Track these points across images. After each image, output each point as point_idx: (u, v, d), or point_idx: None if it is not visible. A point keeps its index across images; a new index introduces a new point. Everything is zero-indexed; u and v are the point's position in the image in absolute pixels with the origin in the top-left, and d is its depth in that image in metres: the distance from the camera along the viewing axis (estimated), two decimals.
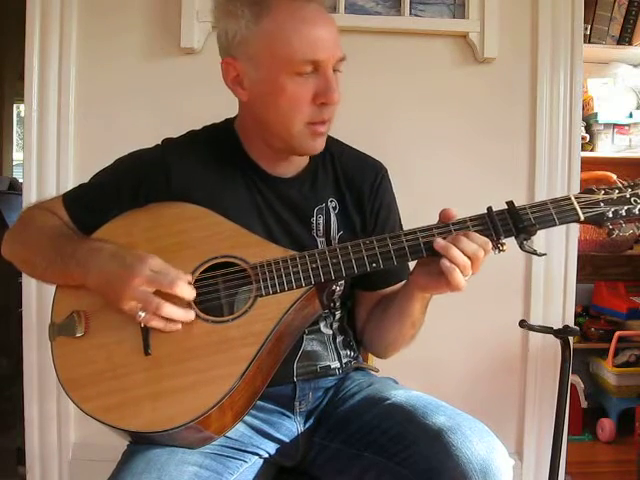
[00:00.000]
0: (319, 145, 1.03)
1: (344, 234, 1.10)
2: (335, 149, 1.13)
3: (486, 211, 0.94)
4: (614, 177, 2.25)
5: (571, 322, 1.83)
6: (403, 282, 1.12)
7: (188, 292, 0.91)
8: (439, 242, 0.91)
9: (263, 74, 0.98)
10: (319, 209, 1.09)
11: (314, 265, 0.95)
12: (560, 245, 1.81)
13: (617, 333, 2.49)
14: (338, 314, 1.13)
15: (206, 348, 0.93)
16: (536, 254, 0.95)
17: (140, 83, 1.75)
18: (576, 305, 1.88)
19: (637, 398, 2.44)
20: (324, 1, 1.00)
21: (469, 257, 0.90)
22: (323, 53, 0.96)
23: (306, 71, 0.96)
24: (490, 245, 0.92)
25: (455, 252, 0.90)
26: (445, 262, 0.90)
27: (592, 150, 2.56)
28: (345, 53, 0.99)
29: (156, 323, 0.91)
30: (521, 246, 0.93)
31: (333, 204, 1.10)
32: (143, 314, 0.90)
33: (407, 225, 1.17)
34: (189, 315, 0.92)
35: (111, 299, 0.93)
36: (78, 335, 0.95)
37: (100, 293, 0.95)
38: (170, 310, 0.90)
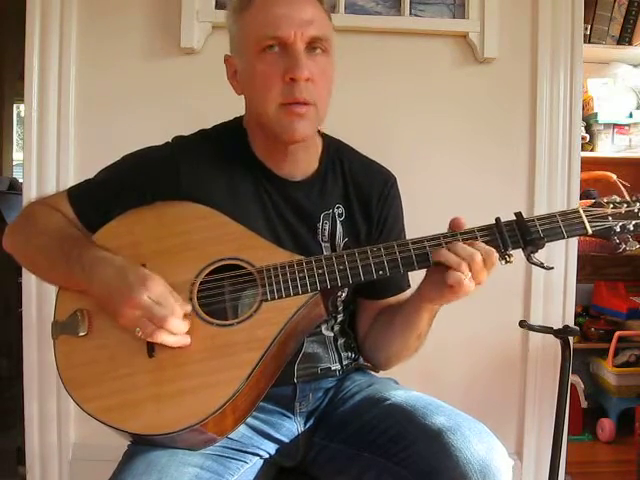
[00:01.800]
0: (299, 128, 0.99)
1: (349, 241, 1.09)
2: (345, 155, 1.12)
3: (494, 222, 0.94)
4: (614, 177, 2.25)
5: (571, 322, 1.83)
6: (403, 293, 1.12)
7: (179, 328, 0.91)
8: (434, 252, 0.92)
9: (243, 62, 1.02)
10: (326, 214, 1.09)
11: (320, 271, 0.95)
12: (560, 245, 1.80)
13: (617, 333, 2.50)
14: (340, 317, 1.13)
15: (210, 351, 0.92)
16: (543, 267, 0.95)
17: (140, 83, 1.75)
18: (576, 305, 1.88)
19: (637, 398, 2.44)
20: None
21: (464, 259, 0.89)
22: (286, 29, 0.96)
23: (269, 46, 0.97)
24: (494, 254, 0.91)
25: (446, 253, 0.90)
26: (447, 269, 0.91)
27: (592, 150, 2.56)
28: (325, 33, 0.99)
29: (153, 341, 0.91)
30: (528, 258, 0.93)
31: (340, 210, 1.10)
32: (140, 332, 0.90)
33: (406, 225, 1.18)
34: (183, 341, 0.92)
35: (110, 312, 0.93)
36: (81, 334, 0.95)
37: (100, 303, 0.95)
38: (164, 339, 0.90)
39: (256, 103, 1.01)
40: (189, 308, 0.93)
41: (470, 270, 0.89)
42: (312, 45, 0.98)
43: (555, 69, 1.79)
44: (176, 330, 0.90)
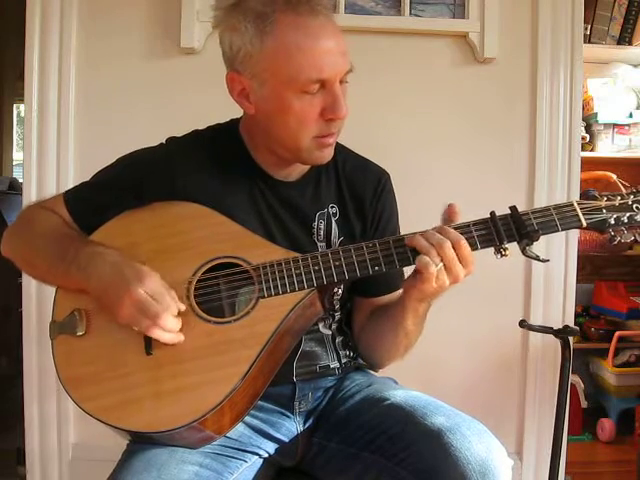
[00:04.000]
0: (327, 155, 1.03)
1: (344, 240, 1.09)
2: (339, 154, 1.12)
3: (489, 215, 0.95)
4: (614, 177, 2.24)
5: (571, 322, 1.83)
6: (398, 291, 1.11)
7: (172, 326, 0.91)
8: (409, 237, 0.94)
9: (268, 91, 0.96)
10: (321, 214, 1.09)
11: (316, 267, 0.95)
12: (560, 245, 1.81)
13: (617, 333, 2.50)
14: (337, 315, 1.13)
15: (208, 349, 0.93)
16: (539, 260, 0.95)
17: (140, 83, 1.75)
18: (576, 305, 1.88)
19: (637, 398, 2.44)
20: (331, 13, 0.97)
21: (432, 244, 0.90)
22: (329, 71, 0.94)
23: (312, 90, 0.95)
24: (462, 241, 0.91)
25: (418, 238, 0.92)
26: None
27: (592, 150, 2.56)
28: (352, 64, 0.98)
29: (149, 334, 0.91)
30: (523, 251, 0.94)
31: (334, 210, 1.10)
32: (137, 327, 0.91)
33: (404, 225, 1.18)
34: (177, 339, 0.92)
35: (107, 308, 0.93)
36: (79, 334, 0.96)
37: (98, 300, 0.95)
38: (158, 334, 0.91)
39: (286, 135, 0.99)
40: (183, 307, 0.94)
41: (441, 259, 0.90)
42: (342, 79, 0.98)
43: (555, 69, 1.79)
44: (168, 328, 0.91)
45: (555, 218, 0.94)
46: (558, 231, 0.94)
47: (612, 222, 0.94)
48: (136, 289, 0.90)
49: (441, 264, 0.91)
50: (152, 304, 0.90)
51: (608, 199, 0.95)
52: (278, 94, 0.95)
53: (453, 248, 0.90)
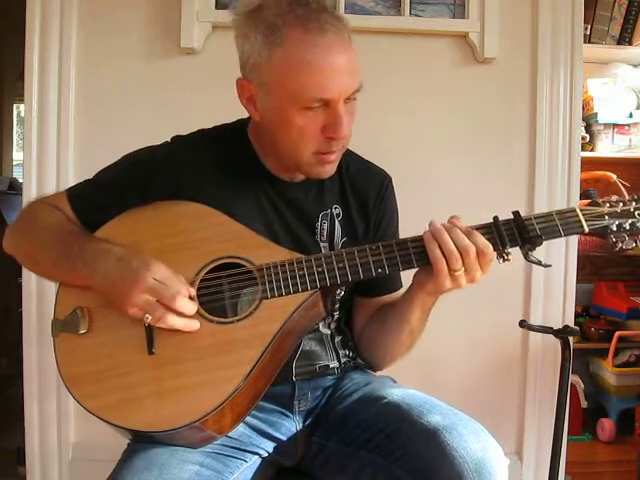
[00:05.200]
0: (329, 171, 1.02)
1: (347, 240, 1.10)
2: (342, 156, 1.11)
3: (492, 220, 0.95)
4: (614, 177, 2.25)
5: (571, 322, 1.83)
6: (397, 292, 1.13)
7: (188, 307, 0.92)
8: (434, 224, 0.93)
9: (273, 102, 0.97)
10: (324, 214, 1.09)
11: (320, 269, 0.95)
12: (560, 245, 1.80)
13: (617, 333, 2.49)
14: (337, 315, 1.13)
15: (210, 349, 0.93)
16: (541, 265, 0.96)
17: (140, 83, 1.75)
18: (576, 305, 1.88)
19: (637, 398, 2.44)
20: (343, 30, 0.96)
21: (458, 249, 0.90)
22: (333, 91, 0.94)
23: (315, 107, 0.95)
24: (490, 249, 0.91)
25: (445, 237, 0.91)
26: (434, 250, 0.91)
27: (592, 150, 2.56)
28: (360, 80, 0.97)
29: (162, 325, 0.91)
30: (526, 256, 0.94)
31: (337, 211, 1.10)
32: (150, 317, 0.90)
33: (404, 225, 1.18)
34: (192, 325, 0.93)
35: (115, 303, 0.93)
36: (81, 332, 0.95)
37: (104, 296, 0.95)
38: (173, 321, 0.91)
39: (287, 147, 0.99)
40: (193, 291, 0.94)
41: (463, 263, 0.90)
42: (349, 97, 0.97)
43: (555, 69, 1.79)
44: (185, 309, 0.91)
45: (558, 224, 0.94)
46: (561, 236, 0.95)
47: (614, 229, 0.94)
48: (146, 278, 0.90)
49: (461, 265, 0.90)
50: (165, 288, 0.90)
51: (610, 205, 0.95)
52: (281, 107, 0.96)
53: (477, 255, 0.91)
